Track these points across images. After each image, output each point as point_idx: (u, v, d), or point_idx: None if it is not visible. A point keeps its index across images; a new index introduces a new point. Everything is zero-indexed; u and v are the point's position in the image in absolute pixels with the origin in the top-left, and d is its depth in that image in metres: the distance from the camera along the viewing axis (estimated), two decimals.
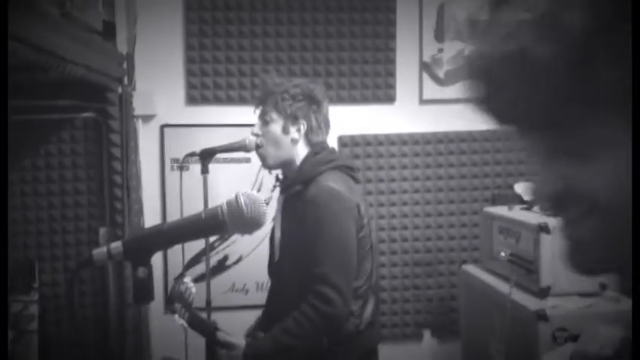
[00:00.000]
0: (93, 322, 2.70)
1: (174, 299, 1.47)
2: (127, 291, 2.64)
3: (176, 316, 1.47)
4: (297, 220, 1.86)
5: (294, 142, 1.89)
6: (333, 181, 1.81)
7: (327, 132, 1.95)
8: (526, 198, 2.51)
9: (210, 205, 2.38)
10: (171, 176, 2.86)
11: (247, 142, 1.91)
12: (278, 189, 2.07)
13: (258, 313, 2.13)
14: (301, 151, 1.90)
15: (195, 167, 2.76)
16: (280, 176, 2.05)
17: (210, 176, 2.30)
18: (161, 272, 2.85)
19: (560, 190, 0.53)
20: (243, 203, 0.95)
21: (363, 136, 2.99)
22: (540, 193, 0.55)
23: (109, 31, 2.39)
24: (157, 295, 2.94)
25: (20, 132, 2.59)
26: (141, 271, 0.98)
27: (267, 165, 1.98)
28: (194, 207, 2.42)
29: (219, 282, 2.89)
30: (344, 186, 1.82)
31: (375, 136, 2.99)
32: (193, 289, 1.51)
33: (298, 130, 1.88)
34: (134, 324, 2.67)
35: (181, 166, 2.32)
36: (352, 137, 2.98)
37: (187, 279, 1.51)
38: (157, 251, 1.00)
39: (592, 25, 0.48)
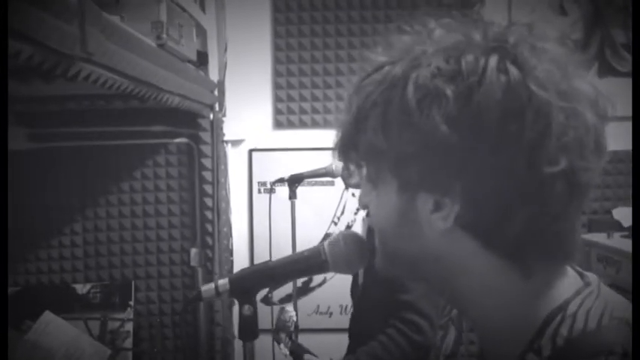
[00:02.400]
0: (182, 352, 2.79)
1: (280, 329, 1.49)
2: (216, 324, 2.72)
3: (282, 345, 1.50)
4: None
5: None
6: None
7: None
8: (626, 224, 2.38)
9: (298, 229, 2.43)
10: (259, 199, 2.92)
11: (334, 167, 1.93)
12: (362, 212, 2.07)
13: (342, 336, 2.12)
14: None
15: (281, 190, 2.82)
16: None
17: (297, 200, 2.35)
18: None
19: (365, 204, 0.73)
20: (344, 244, 0.95)
21: None
22: (358, 202, 0.78)
23: (202, 60, 2.50)
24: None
25: (119, 156, 2.74)
26: (246, 309, 1.00)
27: (349, 185, 1.99)
28: (281, 230, 2.49)
29: (303, 304, 2.91)
30: None
31: None
32: (295, 318, 1.53)
33: None
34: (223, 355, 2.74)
35: (270, 189, 2.37)
36: None
37: (290, 308, 1.53)
38: (261, 289, 1.02)
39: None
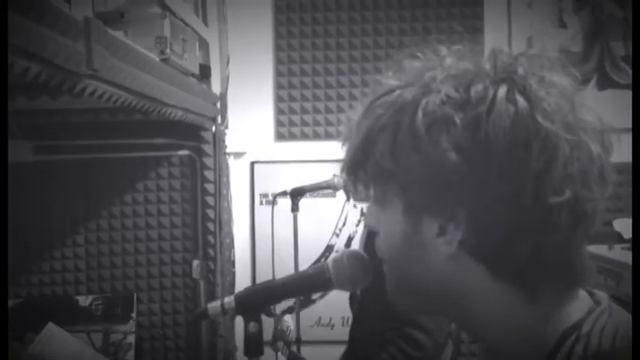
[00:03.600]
0: None
1: (277, 338, 1.50)
2: (219, 336, 2.72)
3: (279, 354, 1.50)
4: None
5: None
6: None
7: None
8: (626, 236, 2.39)
9: (299, 240, 2.44)
10: (261, 211, 2.94)
11: (336, 180, 1.94)
12: (363, 223, 2.08)
13: (344, 348, 2.12)
14: None
15: (283, 202, 2.84)
16: (365, 210, 2.04)
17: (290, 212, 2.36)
18: None
19: (372, 226, 0.74)
20: (347, 262, 0.96)
21: None
22: (365, 223, 0.81)
23: (205, 73, 2.52)
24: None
25: (121, 169, 2.75)
26: (252, 326, 1.02)
27: (356, 199, 2.00)
28: (283, 241, 2.50)
29: (305, 316, 2.91)
30: None
31: None
32: (291, 327, 1.54)
33: None
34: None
35: (273, 201, 2.38)
36: None
37: (287, 317, 1.54)
38: (267, 306, 1.03)
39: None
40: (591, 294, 0.70)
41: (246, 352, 1.04)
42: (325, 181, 1.98)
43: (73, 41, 1.21)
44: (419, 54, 0.69)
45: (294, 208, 2.05)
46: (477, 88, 0.62)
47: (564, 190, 0.60)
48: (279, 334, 1.50)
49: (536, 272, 0.64)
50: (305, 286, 1.03)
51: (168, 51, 1.96)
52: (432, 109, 0.63)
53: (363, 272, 0.96)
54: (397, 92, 0.67)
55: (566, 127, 0.62)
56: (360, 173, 0.70)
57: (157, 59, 1.91)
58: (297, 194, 2.04)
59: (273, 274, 2.23)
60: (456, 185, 0.62)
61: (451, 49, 0.70)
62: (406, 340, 1.69)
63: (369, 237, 1.95)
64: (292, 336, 1.54)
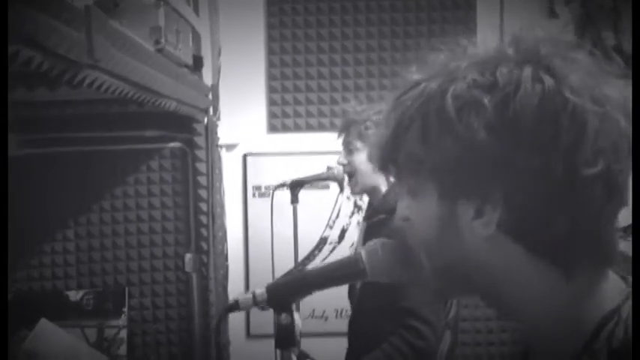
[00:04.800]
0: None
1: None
2: (212, 330, 2.70)
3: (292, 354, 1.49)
4: None
5: None
6: None
7: None
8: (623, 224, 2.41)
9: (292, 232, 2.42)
10: (253, 203, 2.91)
11: (336, 171, 1.93)
12: (356, 215, 2.07)
13: (337, 340, 2.12)
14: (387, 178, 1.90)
15: (276, 194, 2.82)
16: (359, 203, 2.04)
17: (287, 203, 2.34)
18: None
19: (405, 217, 0.74)
20: (382, 252, 0.95)
21: None
22: (397, 216, 0.76)
23: (197, 64, 2.49)
24: (237, 318, 2.94)
25: (111, 162, 2.72)
26: (283, 318, 1.00)
27: (354, 192, 1.99)
28: (277, 234, 2.48)
29: (302, 310, 2.91)
30: None
31: None
32: (300, 325, 1.53)
33: None
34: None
35: (272, 192, 2.35)
36: None
37: (296, 315, 1.53)
38: (298, 298, 1.02)
39: None
40: (625, 279, 0.70)
41: (278, 344, 1.03)
42: (325, 172, 1.97)
43: (76, 31, 1.18)
44: (441, 47, 0.70)
45: (294, 200, 2.03)
46: (502, 71, 0.64)
47: (597, 162, 0.62)
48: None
49: (572, 249, 0.64)
50: (338, 276, 1.01)
51: (162, 41, 1.92)
52: (460, 94, 0.64)
53: (401, 263, 0.95)
54: (423, 85, 0.67)
55: (594, 100, 0.63)
56: (392, 166, 0.71)
57: (152, 49, 1.88)
58: (296, 186, 2.02)
59: (273, 267, 2.21)
60: (489, 165, 0.63)
61: (473, 39, 0.71)
62: (408, 330, 1.69)
63: (369, 231, 1.94)
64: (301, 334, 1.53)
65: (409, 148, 0.67)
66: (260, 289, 1.01)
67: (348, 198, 3.09)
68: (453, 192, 0.66)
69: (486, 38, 0.70)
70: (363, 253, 0.96)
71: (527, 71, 0.63)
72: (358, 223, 2.90)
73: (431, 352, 1.70)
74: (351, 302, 2.05)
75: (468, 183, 0.65)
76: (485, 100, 0.62)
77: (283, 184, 2.08)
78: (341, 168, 1.93)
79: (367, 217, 1.99)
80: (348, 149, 1.91)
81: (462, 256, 0.69)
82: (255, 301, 1.01)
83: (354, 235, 2.92)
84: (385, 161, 0.72)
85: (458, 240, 0.68)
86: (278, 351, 1.68)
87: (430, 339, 1.68)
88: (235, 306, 1.04)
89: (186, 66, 2.35)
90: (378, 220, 1.89)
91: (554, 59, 0.64)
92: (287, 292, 1.02)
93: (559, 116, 0.61)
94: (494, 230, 0.65)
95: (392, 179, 0.74)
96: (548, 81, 0.62)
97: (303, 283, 1.02)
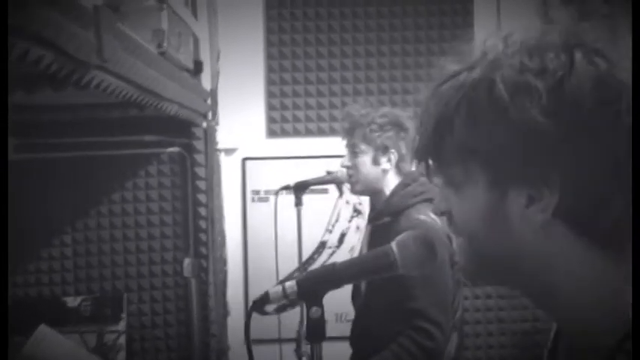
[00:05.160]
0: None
1: (302, 341, 1.48)
2: (211, 335, 2.68)
3: (304, 358, 1.49)
4: None
5: (385, 172, 1.89)
6: (425, 215, 1.80)
7: None
8: None
9: (291, 237, 2.41)
10: (252, 208, 2.90)
11: (340, 174, 1.93)
12: (355, 219, 2.07)
13: (338, 344, 2.11)
14: (391, 181, 1.90)
15: (274, 198, 2.81)
16: (358, 207, 2.04)
17: (286, 207, 2.34)
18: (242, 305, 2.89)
19: (445, 210, 0.72)
20: (414, 245, 0.95)
21: None
22: (435, 209, 0.76)
23: (197, 68, 2.48)
24: (237, 323, 2.92)
25: (110, 167, 2.70)
26: (314, 311, 1.00)
27: (354, 191, 1.99)
28: (279, 238, 2.47)
29: (297, 313, 2.89)
30: (436, 219, 1.81)
31: None
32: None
33: (389, 161, 1.89)
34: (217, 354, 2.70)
35: (276, 195, 2.33)
36: None
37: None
38: (329, 290, 1.01)
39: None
40: None
41: (309, 337, 1.03)
42: (329, 175, 1.96)
43: (85, 30, 1.17)
44: (477, 37, 0.70)
45: (298, 203, 2.02)
46: (550, 56, 0.63)
47: None
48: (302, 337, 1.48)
49: (621, 234, 0.64)
50: (368, 269, 1.01)
51: (165, 44, 1.92)
52: (511, 79, 0.63)
53: (429, 256, 0.94)
54: (464, 74, 0.67)
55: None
56: (433, 158, 0.70)
57: (155, 51, 1.87)
58: (301, 188, 2.01)
59: (277, 270, 2.20)
60: (547, 149, 0.62)
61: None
62: (417, 331, 1.69)
63: (374, 234, 1.94)
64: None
65: (456, 138, 0.66)
66: (290, 282, 1.01)
67: (347, 202, 3.09)
68: (505, 180, 0.65)
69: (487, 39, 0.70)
70: (393, 245, 0.96)
71: (579, 55, 0.63)
72: (357, 227, 2.90)
73: (439, 352, 1.70)
74: (355, 304, 2.04)
75: (523, 169, 0.64)
76: (539, 85, 0.62)
77: (287, 186, 2.07)
78: (345, 170, 1.93)
79: (371, 220, 1.98)
80: (353, 152, 1.91)
81: (509, 246, 0.67)
82: (285, 294, 1.00)
83: (353, 239, 2.92)
84: (425, 153, 0.70)
85: (506, 229, 0.67)
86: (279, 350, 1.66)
87: (439, 340, 1.68)
88: (265, 299, 1.03)
89: (187, 70, 2.34)
90: (382, 223, 1.89)
91: (601, 43, 0.64)
92: (317, 284, 1.01)
93: (617, 98, 0.61)
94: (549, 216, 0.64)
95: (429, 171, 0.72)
96: (601, 64, 0.62)
97: (334, 275, 1.01)
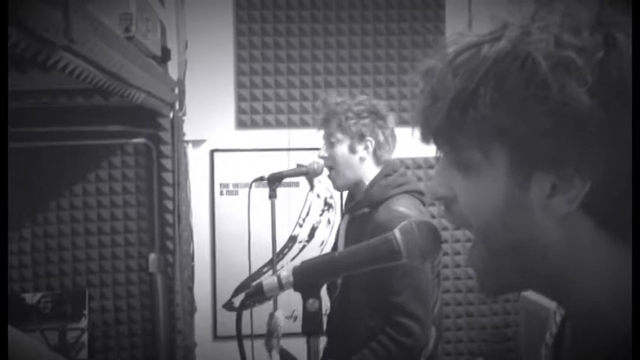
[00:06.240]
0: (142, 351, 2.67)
1: (271, 335, 1.43)
2: (177, 332, 2.61)
3: (273, 352, 1.43)
4: None
5: (363, 160, 1.85)
6: (405, 206, 1.77)
7: (394, 146, 1.91)
8: None
9: (262, 231, 2.35)
10: (221, 202, 2.83)
11: (316, 166, 1.88)
12: (327, 213, 2.03)
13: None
14: (369, 170, 1.86)
15: (243, 191, 2.75)
16: (329, 201, 1.99)
17: (256, 201, 2.28)
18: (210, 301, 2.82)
19: (443, 196, 0.66)
20: (418, 232, 0.88)
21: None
22: (431, 194, 0.68)
23: (165, 56, 2.39)
24: (204, 319, 2.86)
25: (71, 158, 2.59)
26: (311, 303, 0.94)
27: (336, 187, 1.94)
28: (245, 232, 2.41)
29: (267, 308, 2.83)
30: (415, 211, 1.78)
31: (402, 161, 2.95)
32: (282, 323, 1.47)
33: (366, 148, 1.85)
34: (184, 352, 2.63)
35: (249, 187, 2.25)
36: None
37: (278, 314, 1.47)
38: (327, 281, 0.95)
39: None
40: None
41: (305, 331, 0.96)
42: (305, 166, 1.91)
43: (52, 8, 1.09)
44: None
45: (272, 195, 1.96)
46: (585, 35, 0.58)
47: None
48: (273, 331, 1.43)
49: None
50: (369, 258, 0.93)
51: (133, 29, 1.83)
52: (551, 54, 0.57)
53: (435, 244, 0.88)
54: (486, 45, 0.60)
55: None
56: (447, 137, 0.63)
57: (122, 36, 1.78)
58: (274, 180, 1.95)
59: (250, 265, 2.14)
60: (587, 133, 0.57)
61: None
62: (396, 328, 1.65)
63: (352, 224, 1.90)
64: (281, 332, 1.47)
65: (481, 115, 0.59)
66: (286, 272, 0.94)
67: (318, 196, 3.05)
68: (531, 165, 0.59)
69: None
70: (397, 232, 0.89)
71: (620, 35, 0.57)
72: (329, 221, 2.86)
73: (419, 349, 1.67)
74: (330, 297, 2.00)
75: (557, 154, 0.58)
76: (580, 62, 0.56)
77: (261, 178, 2.01)
78: (321, 162, 1.88)
79: (350, 211, 1.93)
80: (329, 142, 1.87)
81: (528, 238, 0.62)
82: (281, 285, 0.93)
83: (324, 233, 2.88)
84: (442, 131, 0.63)
85: (527, 219, 0.61)
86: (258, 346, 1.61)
87: (418, 336, 1.65)
88: (259, 291, 0.95)
89: (154, 57, 2.25)
90: (362, 213, 1.85)
91: (627, 24, 0.59)
92: (315, 274, 0.94)
93: None
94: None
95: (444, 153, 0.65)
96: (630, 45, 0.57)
97: (332, 265, 0.94)
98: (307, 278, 0.94)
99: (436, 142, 0.65)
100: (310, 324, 0.95)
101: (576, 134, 0.57)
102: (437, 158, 0.68)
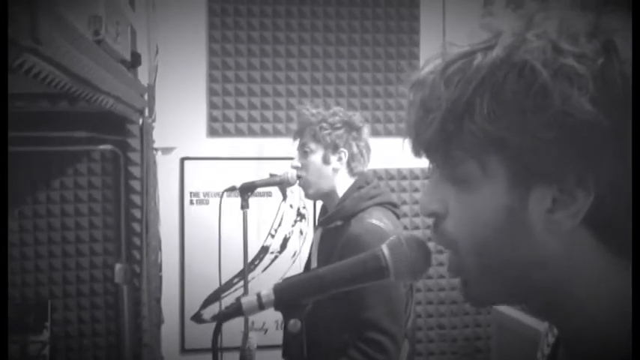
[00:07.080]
0: None
1: (245, 357, 1.37)
2: (144, 345, 2.53)
3: None
4: (338, 257, 1.78)
5: (336, 171, 1.83)
6: (378, 219, 1.74)
7: (368, 158, 1.89)
8: None
9: (232, 242, 2.31)
10: (191, 211, 2.77)
11: (289, 175, 1.84)
12: (299, 223, 1.99)
13: (278, 352, 2.03)
14: (343, 181, 1.84)
15: (214, 200, 2.69)
16: (302, 211, 1.96)
17: (228, 211, 2.23)
18: (177, 313, 2.75)
19: (435, 212, 0.63)
20: (407, 247, 0.82)
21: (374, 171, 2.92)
22: (423, 209, 0.65)
23: (135, 61, 2.33)
24: (171, 332, 2.78)
25: (35, 164, 2.51)
26: (292, 324, 0.87)
27: (307, 195, 1.90)
28: (214, 243, 2.35)
29: (237, 320, 2.77)
30: (388, 223, 1.75)
31: (387, 171, 2.93)
32: (255, 345, 1.42)
33: (340, 160, 1.83)
34: None
35: (220, 196, 2.19)
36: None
37: (252, 334, 1.42)
38: (311, 300, 0.87)
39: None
40: None
41: (285, 354, 0.90)
42: (278, 176, 1.87)
43: (18, 7, 1.03)
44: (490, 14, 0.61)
45: (244, 205, 1.91)
46: (583, 41, 0.56)
47: None
48: (247, 355, 1.38)
49: None
50: (355, 275, 0.86)
51: (102, 32, 1.78)
52: (550, 62, 0.55)
53: (425, 261, 0.83)
54: (479, 54, 0.57)
55: None
56: (442, 150, 0.60)
57: (91, 39, 1.73)
58: (247, 190, 1.91)
59: (220, 277, 2.09)
60: (591, 144, 0.54)
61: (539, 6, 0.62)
62: (368, 343, 1.62)
63: (325, 238, 1.86)
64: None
65: (478, 126, 0.56)
66: (266, 290, 0.86)
67: (291, 206, 3.01)
68: (532, 178, 0.57)
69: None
70: (384, 248, 0.82)
71: (619, 41, 0.55)
72: (301, 232, 2.82)
73: None
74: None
75: (558, 166, 0.55)
76: (583, 70, 0.54)
77: (233, 187, 1.96)
78: (293, 172, 1.85)
79: (322, 224, 1.90)
80: (303, 151, 1.84)
81: (526, 254, 0.59)
82: (261, 304, 0.85)
83: (296, 244, 2.83)
84: (432, 144, 0.60)
85: (525, 235, 0.58)
86: None
87: (391, 351, 1.61)
88: (237, 310, 0.86)
89: (123, 61, 2.19)
90: (334, 226, 1.81)
91: (624, 32, 0.57)
92: (297, 293, 0.87)
93: None
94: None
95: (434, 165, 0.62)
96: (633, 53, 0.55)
97: (316, 282, 0.87)
98: (289, 297, 0.87)
99: (428, 155, 0.62)
100: (292, 347, 0.89)
101: (578, 144, 0.55)
102: (428, 170, 0.65)
